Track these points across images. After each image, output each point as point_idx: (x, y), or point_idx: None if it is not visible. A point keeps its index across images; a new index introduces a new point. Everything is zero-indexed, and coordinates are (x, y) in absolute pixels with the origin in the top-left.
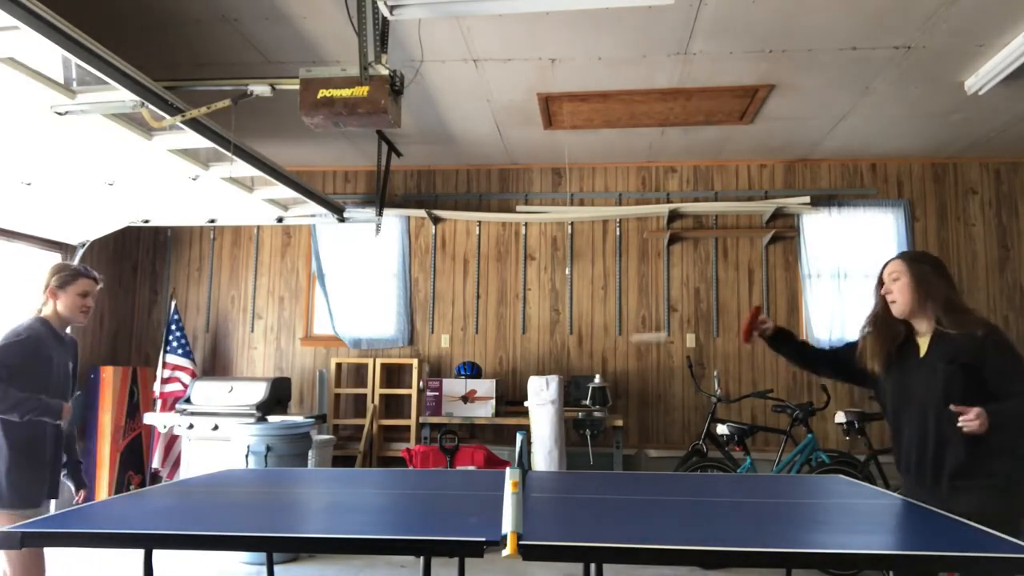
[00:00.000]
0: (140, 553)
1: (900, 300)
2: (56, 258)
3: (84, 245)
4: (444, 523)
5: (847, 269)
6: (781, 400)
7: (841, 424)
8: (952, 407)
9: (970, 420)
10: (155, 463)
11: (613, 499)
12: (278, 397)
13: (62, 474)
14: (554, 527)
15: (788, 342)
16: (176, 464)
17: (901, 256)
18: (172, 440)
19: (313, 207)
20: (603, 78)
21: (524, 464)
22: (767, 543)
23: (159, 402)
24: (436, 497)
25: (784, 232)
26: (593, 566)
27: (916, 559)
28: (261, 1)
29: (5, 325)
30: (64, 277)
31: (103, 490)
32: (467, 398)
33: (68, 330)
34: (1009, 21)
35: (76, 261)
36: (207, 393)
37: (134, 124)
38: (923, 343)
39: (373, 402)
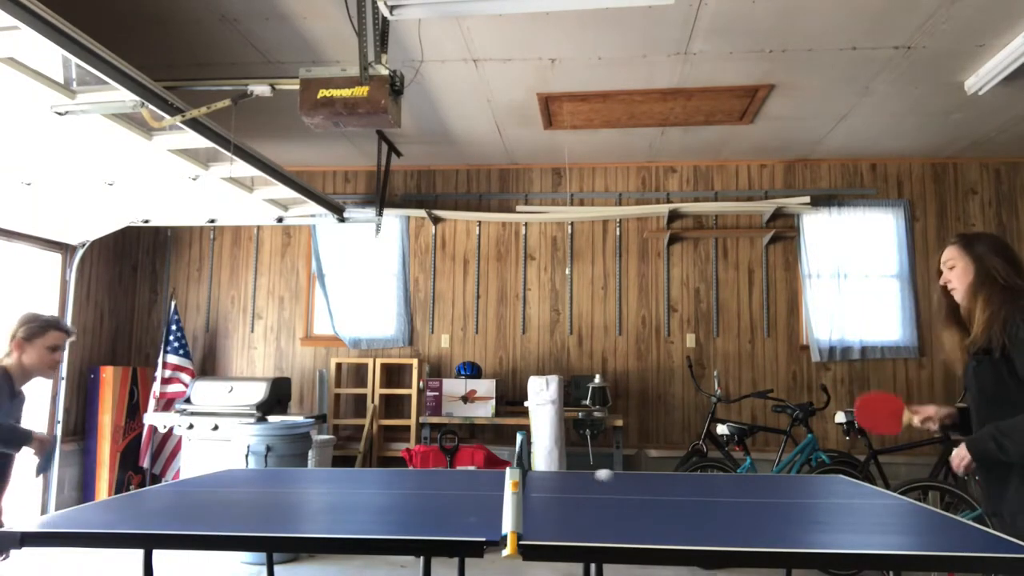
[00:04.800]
0: (140, 553)
1: (959, 287)
2: (56, 258)
3: (84, 245)
4: (444, 523)
5: (847, 269)
6: (781, 400)
7: (841, 424)
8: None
9: (956, 466)
10: (144, 463)
11: (613, 499)
12: (278, 397)
13: None
14: (554, 527)
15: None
16: (167, 464)
17: (955, 240)
18: (164, 439)
19: (313, 207)
20: (603, 78)
21: (524, 464)
22: (767, 543)
23: (156, 402)
24: (436, 497)
25: (784, 232)
26: (593, 566)
27: (916, 559)
28: (261, 1)
29: (4, 327)
30: (32, 329)
31: (103, 490)
32: (467, 398)
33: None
34: (1009, 21)
35: (75, 261)
36: (207, 393)
37: (134, 124)
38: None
39: (373, 402)
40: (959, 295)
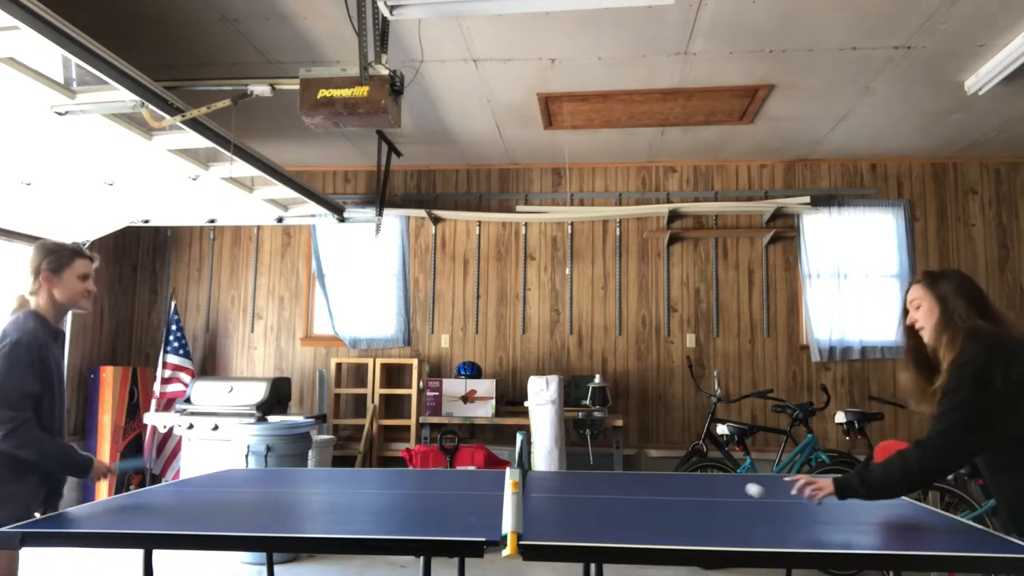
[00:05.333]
0: (140, 553)
1: (927, 327)
2: None
3: (84, 245)
4: (444, 523)
5: (847, 269)
6: (781, 400)
7: (841, 424)
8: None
9: (806, 492)
10: (150, 463)
11: (613, 499)
12: (278, 397)
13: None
14: (554, 527)
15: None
16: (169, 463)
17: (920, 279)
18: (165, 439)
19: (313, 207)
20: (603, 78)
21: (524, 464)
22: (767, 543)
23: (156, 402)
24: (436, 497)
25: (784, 232)
26: (593, 566)
27: (916, 559)
28: (261, 1)
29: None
30: (57, 259)
31: (103, 490)
32: (467, 398)
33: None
34: (1009, 21)
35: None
36: (207, 393)
37: (134, 124)
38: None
39: (373, 402)
40: (927, 335)
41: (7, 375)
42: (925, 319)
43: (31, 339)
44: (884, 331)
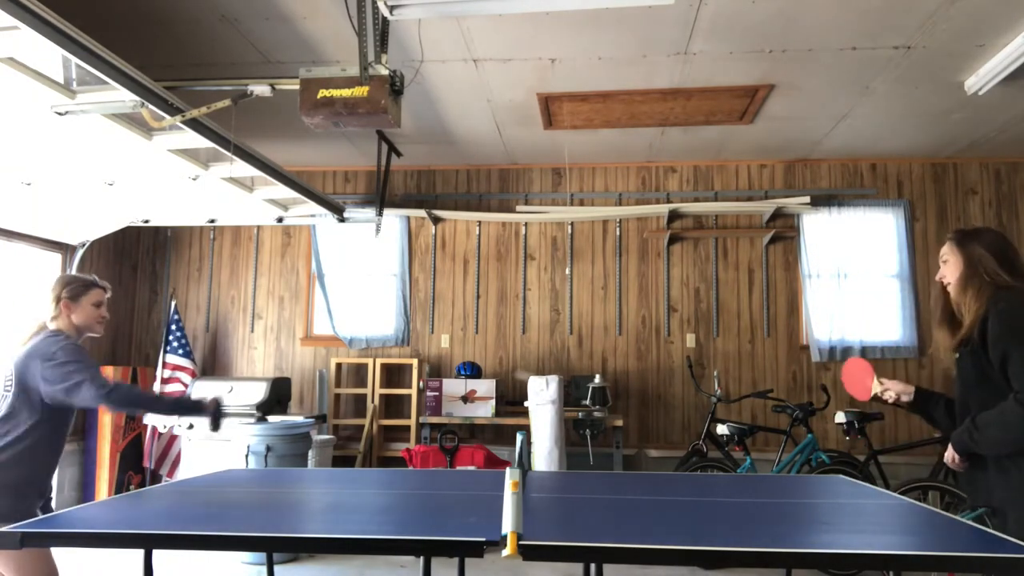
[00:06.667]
0: (140, 553)
1: (952, 281)
2: (56, 258)
3: (84, 245)
4: (444, 523)
5: (847, 269)
6: (781, 400)
7: (841, 424)
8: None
9: (948, 462)
10: (150, 463)
11: (613, 499)
12: (278, 397)
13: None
14: (554, 527)
15: (931, 403)
16: (175, 464)
17: (952, 235)
18: (171, 441)
19: (313, 207)
20: (603, 78)
21: (524, 464)
22: (767, 543)
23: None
24: (436, 497)
25: (784, 232)
26: (593, 566)
27: (916, 559)
28: (261, 1)
29: (5, 326)
30: (76, 288)
31: (103, 490)
32: (467, 398)
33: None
34: (1009, 21)
35: (76, 261)
36: (207, 393)
37: (134, 124)
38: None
39: (373, 402)
40: (952, 289)
41: (77, 353)
42: (951, 274)
43: (73, 340)
44: (884, 331)
